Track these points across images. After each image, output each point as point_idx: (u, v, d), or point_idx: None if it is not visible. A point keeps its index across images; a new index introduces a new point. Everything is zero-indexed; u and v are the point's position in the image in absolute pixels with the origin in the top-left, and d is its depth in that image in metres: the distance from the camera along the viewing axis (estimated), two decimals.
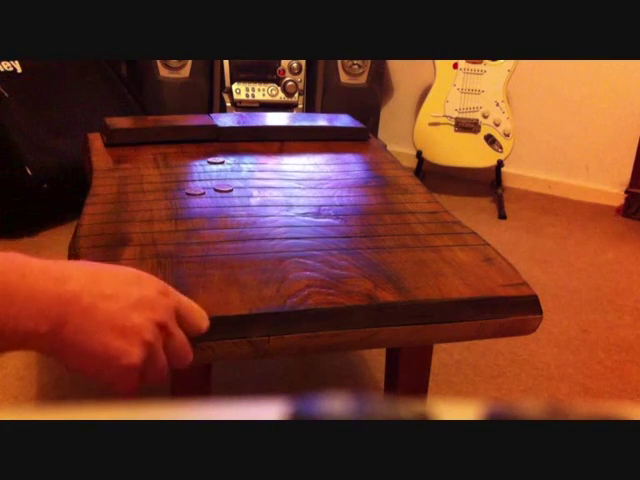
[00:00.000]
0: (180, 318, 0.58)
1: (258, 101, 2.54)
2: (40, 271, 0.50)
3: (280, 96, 2.55)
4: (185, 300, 0.59)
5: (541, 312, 0.80)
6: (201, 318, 0.61)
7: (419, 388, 0.98)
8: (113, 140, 1.25)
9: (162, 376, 0.57)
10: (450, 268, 0.84)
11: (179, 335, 0.57)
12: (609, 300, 1.86)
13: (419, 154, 2.55)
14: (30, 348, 0.50)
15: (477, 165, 2.54)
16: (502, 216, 2.44)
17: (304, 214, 0.98)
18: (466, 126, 2.49)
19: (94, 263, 0.56)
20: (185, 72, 2.51)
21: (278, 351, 0.74)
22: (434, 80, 2.49)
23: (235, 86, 2.52)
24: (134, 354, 0.53)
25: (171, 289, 0.58)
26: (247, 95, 2.53)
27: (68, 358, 0.52)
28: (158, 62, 2.48)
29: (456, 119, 2.49)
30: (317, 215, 0.98)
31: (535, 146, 2.73)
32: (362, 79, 2.66)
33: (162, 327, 0.55)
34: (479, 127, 2.48)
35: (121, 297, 0.53)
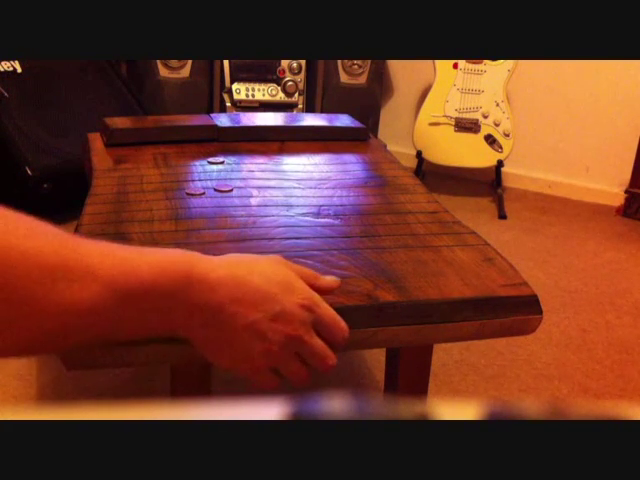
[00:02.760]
0: (319, 328, 0.63)
1: (258, 101, 2.54)
2: (199, 282, 0.56)
3: (280, 96, 2.55)
4: (327, 314, 0.64)
5: (541, 312, 0.80)
6: (339, 330, 0.65)
7: (419, 388, 0.98)
8: (113, 140, 1.25)
9: (299, 378, 0.64)
10: (450, 268, 0.84)
11: (315, 344, 0.63)
12: (609, 300, 1.86)
13: (419, 154, 2.55)
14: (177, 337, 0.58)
15: (477, 165, 2.54)
16: (502, 216, 2.44)
17: (304, 214, 0.98)
18: (466, 126, 2.49)
19: (250, 267, 0.61)
20: (185, 72, 2.51)
21: None
22: (434, 80, 2.49)
23: (235, 86, 2.52)
24: (257, 360, 0.61)
25: (317, 301, 0.63)
26: (247, 95, 2.53)
27: (209, 352, 0.60)
28: (158, 62, 2.48)
29: (456, 119, 2.49)
30: (317, 215, 0.98)
31: (535, 146, 2.73)
32: (362, 79, 2.66)
33: (295, 339, 0.61)
34: (479, 127, 2.48)
35: (261, 309, 0.59)
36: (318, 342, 0.63)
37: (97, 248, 0.52)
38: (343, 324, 0.65)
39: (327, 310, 0.64)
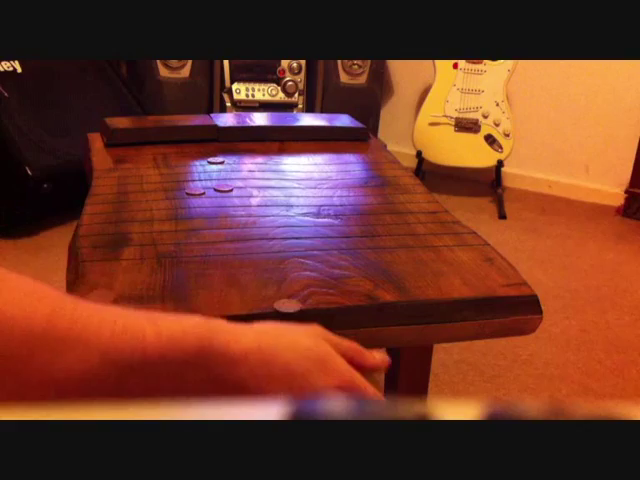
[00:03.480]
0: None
1: (258, 101, 2.54)
2: (217, 354, 0.49)
3: (280, 96, 2.55)
4: (369, 391, 0.55)
5: (541, 312, 0.80)
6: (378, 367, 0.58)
7: (419, 388, 0.98)
8: (113, 140, 1.25)
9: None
10: (450, 268, 0.84)
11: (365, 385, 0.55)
12: (609, 300, 1.86)
13: (419, 154, 2.55)
14: None
15: (477, 165, 2.54)
16: (502, 216, 2.44)
17: (304, 214, 0.98)
18: (466, 126, 2.49)
19: (278, 335, 0.53)
20: (185, 72, 2.51)
21: None
22: (434, 80, 2.49)
23: (235, 86, 2.52)
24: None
25: (358, 382, 0.54)
26: (247, 95, 2.53)
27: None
28: (158, 62, 2.48)
29: (456, 119, 2.49)
30: (317, 215, 0.98)
31: (535, 146, 2.73)
32: (362, 79, 2.66)
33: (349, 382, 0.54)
34: (479, 127, 2.48)
35: (290, 389, 0.51)
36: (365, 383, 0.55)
37: (97, 315, 0.47)
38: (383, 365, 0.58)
39: (371, 395, 0.55)
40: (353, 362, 0.55)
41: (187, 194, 1.02)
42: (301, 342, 0.53)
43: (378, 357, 0.58)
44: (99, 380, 0.46)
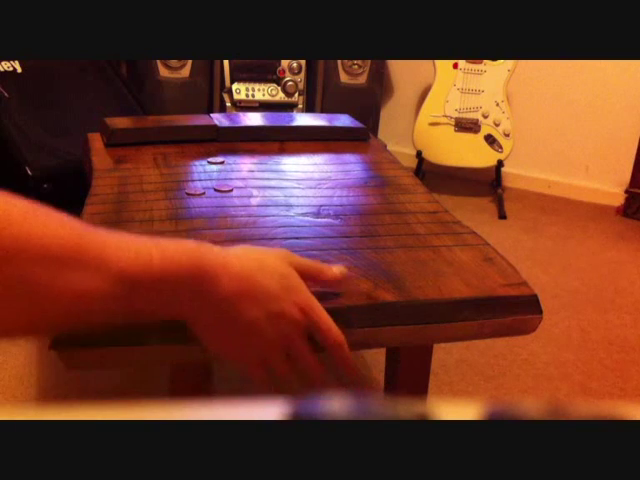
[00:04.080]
0: (314, 333, 0.65)
1: (258, 101, 2.54)
2: (207, 273, 0.58)
3: (280, 96, 2.55)
4: (322, 320, 0.65)
5: (541, 312, 0.80)
6: (331, 335, 0.66)
7: (419, 388, 0.98)
8: (113, 140, 1.25)
9: (287, 379, 0.66)
10: (450, 268, 0.84)
11: (304, 352, 0.65)
12: (609, 300, 1.86)
13: (419, 154, 2.55)
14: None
15: (477, 165, 2.54)
16: (502, 216, 2.44)
17: (304, 214, 0.98)
18: (466, 126, 2.49)
19: (255, 263, 0.62)
20: (185, 72, 2.51)
21: None
22: (434, 80, 2.49)
23: (235, 86, 2.52)
24: (250, 358, 0.64)
25: (314, 306, 0.64)
26: (247, 95, 2.53)
27: (208, 339, 0.62)
28: (158, 62, 2.48)
29: (456, 119, 2.49)
30: (317, 215, 0.98)
31: (535, 146, 2.74)
32: (362, 79, 2.66)
33: (288, 339, 0.63)
34: (479, 127, 2.48)
35: (262, 307, 0.61)
36: (308, 352, 0.65)
37: (114, 240, 0.55)
38: (337, 330, 0.66)
39: (322, 316, 0.65)
40: (316, 279, 0.67)
41: (187, 194, 1.02)
42: (274, 264, 0.63)
43: (336, 270, 0.69)
44: (110, 297, 0.53)
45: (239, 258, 0.61)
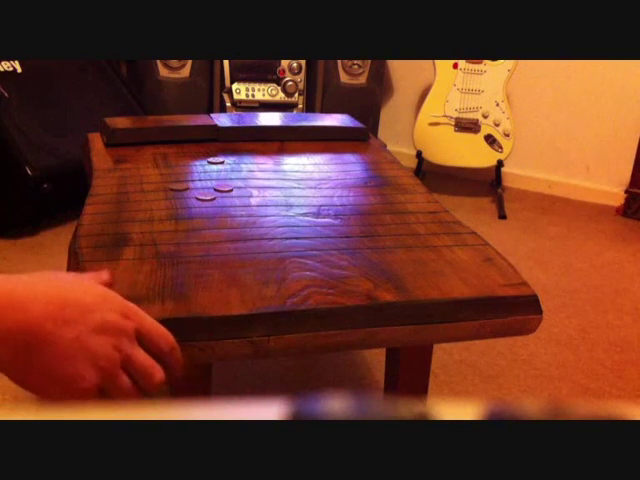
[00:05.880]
0: (142, 338, 0.58)
1: (258, 101, 2.54)
2: (5, 297, 0.50)
3: (280, 96, 2.55)
4: (148, 323, 0.59)
5: (541, 312, 0.80)
6: (162, 337, 0.60)
7: (419, 388, 0.98)
8: (113, 140, 1.25)
9: (128, 394, 0.58)
10: (450, 268, 0.84)
11: (139, 356, 0.58)
12: (609, 300, 1.86)
13: (419, 154, 2.55)
14: None
15: (477, 165, 2.54)
16: (502, 216, 2.44)
17: (304, 214, 0.98)
18: (466, 126, 2.49)
19: (60, 282, 0.56)
20: (185, 72, 2.51)
21: (278, 351, 0.74)
22: (434, 80, 2.49)
23: (235, 86, 2.52)
24: (87, 379, 0.54)
25: (135, 310, 0.58)
26: (247, 95, 2.53)
27: (31, 383, 0.55)
28: (158, 62, 2.48)
29: (456, 119, 2.49)
30: (317, 215, 0.98)
31: (535, 146, 2.73)
32: (362, 79, 2.66)
33: (121, 349, 0.56)
34: (479, 127, 2.48)
35: (81, 322, 0.54)
36: (142, 355, 0.58)
37: None
38: (166, 332, 0.60)
39: (147, 319, 0.59)
40: (142, 334, 0.59)
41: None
42: (76, 280, 0.57)
43: (163, 345, 0.60)
44: (2, 362, 0.49)
45: (40, 280, 0.55)
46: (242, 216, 0.96)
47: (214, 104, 2.59)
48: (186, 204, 0.99)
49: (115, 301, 0.57)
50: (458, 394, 1.41)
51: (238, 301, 0.74)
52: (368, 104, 2.67)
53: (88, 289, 0.56)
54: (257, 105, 2.54)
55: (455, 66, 2.46)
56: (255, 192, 1.05)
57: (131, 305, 0.59)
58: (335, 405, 0.25)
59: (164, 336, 0.60)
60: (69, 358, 0.53)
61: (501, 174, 2.55)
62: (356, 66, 2.62)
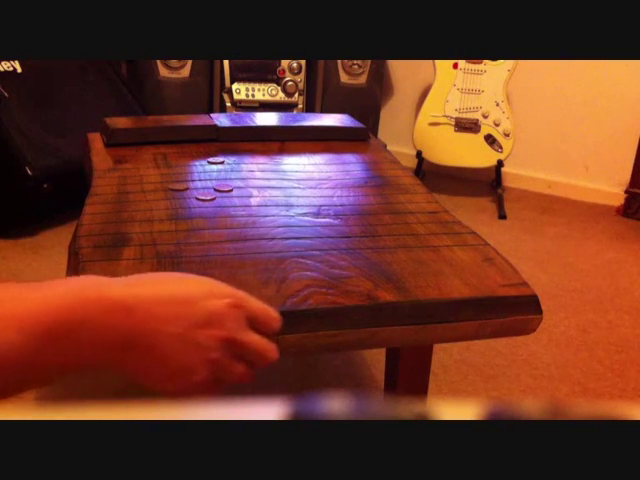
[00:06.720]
0: (254, 323, 0.60)
1: (258, 101, 2.54)
2: (111, 305, 0.52)
3: (280, 96, 2.55)
4: (255, 306, 0.61)
5: (541, 312, 0.80)
6: (272, 320, 0.62)
7: (419, 388, 0.98)
8: (113, 140, 1.25)
9: (243, 379, 0.60)
10: (450, 268, 0.84)
11: (253, 341, 0.59)
12: (609, 300, 1.86)
13: (419, 154, 2.55)
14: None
15: (477, 165, 2.54)
16: (502, 216, 2.44)
17: (304, 214, 0.98)
18: (466, 126, 2.49)
19: (162, 280, 0.58)
20: (185, 72, 2.51)
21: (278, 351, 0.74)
22: (434, 80, 2.49)
23: (235, 86, 2.52)
24: (199, 372, 0.56)
25: (242, 296, 0.59)
26: (247, 95, 2.53)
27: (143, 376, 0.56)
28: (158, 62, 2.48)
29: (456, 119, 2.49)
30: (317, 215, 0.98)
31: (535, 146, 2.73)
32: (362, 79, 2.66)
33: (231, 341, 0.57)
34: (479, 127, 2.48)
35: (186, 317, 0.55)
36: (256, 338, 0.59)
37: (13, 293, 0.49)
38: (275, 312, 0.62)
39: (256, 303, 0.60)
40: (252, 320, 0.60)
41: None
42: (180, 278, 0.58)
43: (276, 325, 0.61)
44: (22, 350, 0.48)
45: (141, 282, 0.56)
46: (242, 216, 0.96)
47: (214, 104, 2.59)
48: (186, 204, 0.99)
49: (221, 292, 0.58)
50: (458, 394, 1.41)
51: None
52: (368, 104, 2.67)
53: (191, 283, 0.58)
54: (257, 105, 2.54)
55: (455, 66, 2.46)
56: (255, 192, 1.05)
57: (237, 291, 0.59)
58: (335, 405, 0.25)
59: (274, 317, 0.61)
60: (177, 354, 0.55)
61: (501, 174, 2.55)
62: (356, 66, 2.62)
